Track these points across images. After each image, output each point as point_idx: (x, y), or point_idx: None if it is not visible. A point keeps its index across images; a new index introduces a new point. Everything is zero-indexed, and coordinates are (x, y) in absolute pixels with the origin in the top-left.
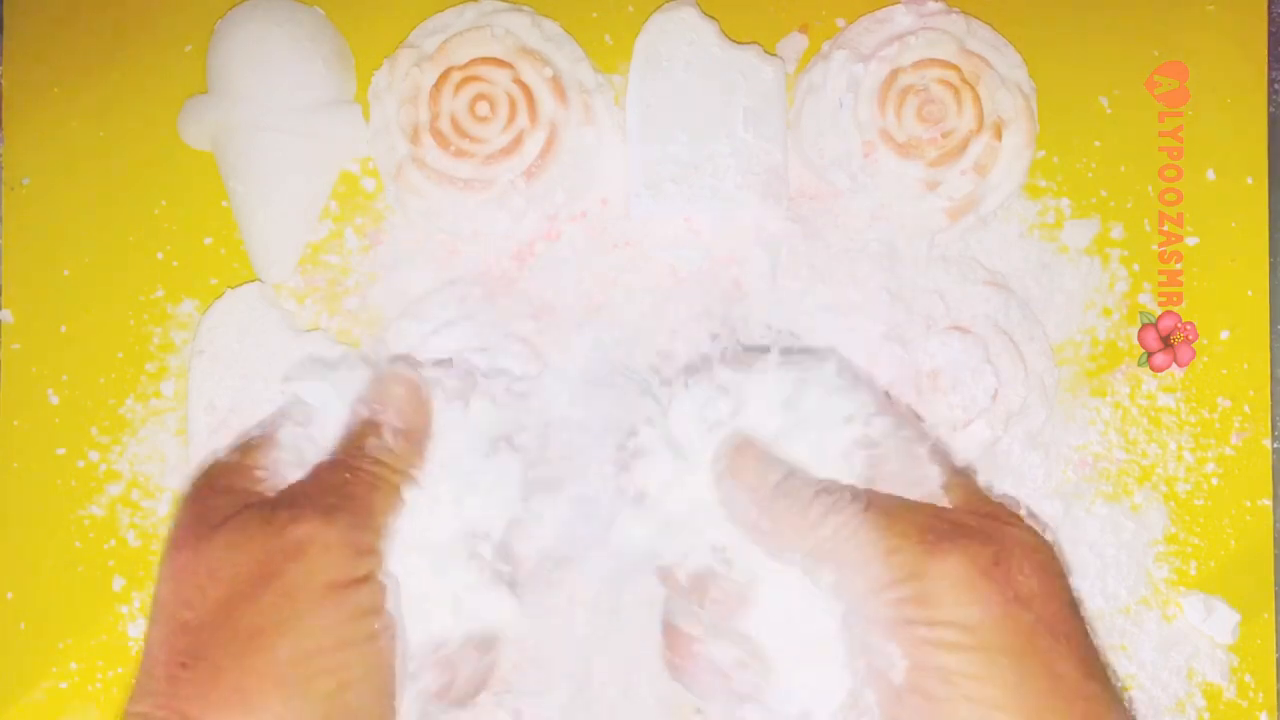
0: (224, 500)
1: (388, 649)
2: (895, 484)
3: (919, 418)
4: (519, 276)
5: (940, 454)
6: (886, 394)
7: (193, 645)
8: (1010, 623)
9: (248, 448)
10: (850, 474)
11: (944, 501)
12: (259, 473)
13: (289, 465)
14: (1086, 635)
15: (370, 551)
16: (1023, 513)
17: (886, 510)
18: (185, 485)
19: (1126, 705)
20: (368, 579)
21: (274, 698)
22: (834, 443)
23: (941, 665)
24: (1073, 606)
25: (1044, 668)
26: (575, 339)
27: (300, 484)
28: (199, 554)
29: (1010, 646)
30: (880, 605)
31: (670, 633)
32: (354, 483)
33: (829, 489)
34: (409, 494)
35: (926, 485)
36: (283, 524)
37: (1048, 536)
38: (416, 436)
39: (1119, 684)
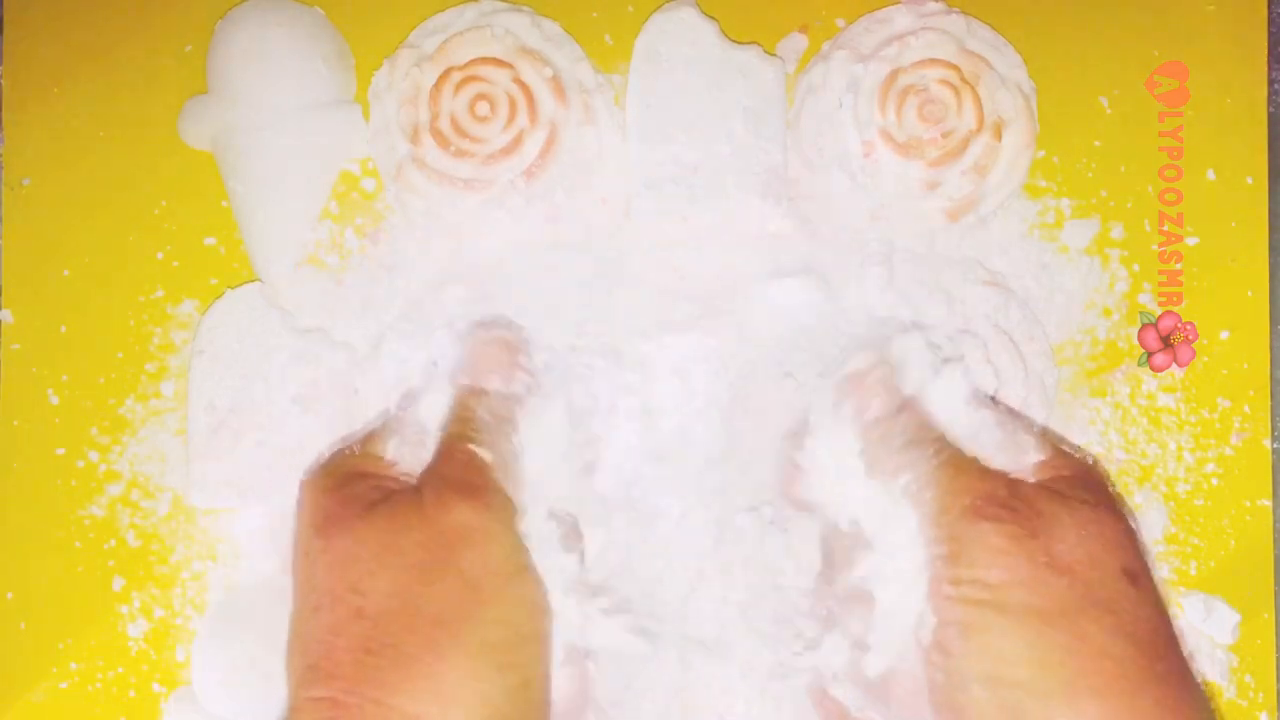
0: (365, 486)
1: (551, 651)
2: (993, 451)
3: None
4: (519, 277)
5: (1041, 434)
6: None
7: (375, 631)
8: (1038, 586)
9: (369, 438)
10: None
11: (1029, 475)
12: (388, 459)
13: (410, 449)
14: (1148, 612)
15: (518, 536)
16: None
17: (953, 473)
18: (312, 472)
19: (1198, 695)
20: (528, 568)
21: (468, 687)
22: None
23: (960, 619)
24: (1131, 580)
25: (1068, 629)
26: (576, 339)
27: (434, 467)
28: (359, 540)
29: (1031, 606)
30: (928, 561)
31: (822, 701)
32: (479, 456)
33: (918, 441)
34: (523, 462)
35: (1020, 457)
36: (435, 511)
37: (1130, 520)
38: (519, 399)
39: (1195, 677)
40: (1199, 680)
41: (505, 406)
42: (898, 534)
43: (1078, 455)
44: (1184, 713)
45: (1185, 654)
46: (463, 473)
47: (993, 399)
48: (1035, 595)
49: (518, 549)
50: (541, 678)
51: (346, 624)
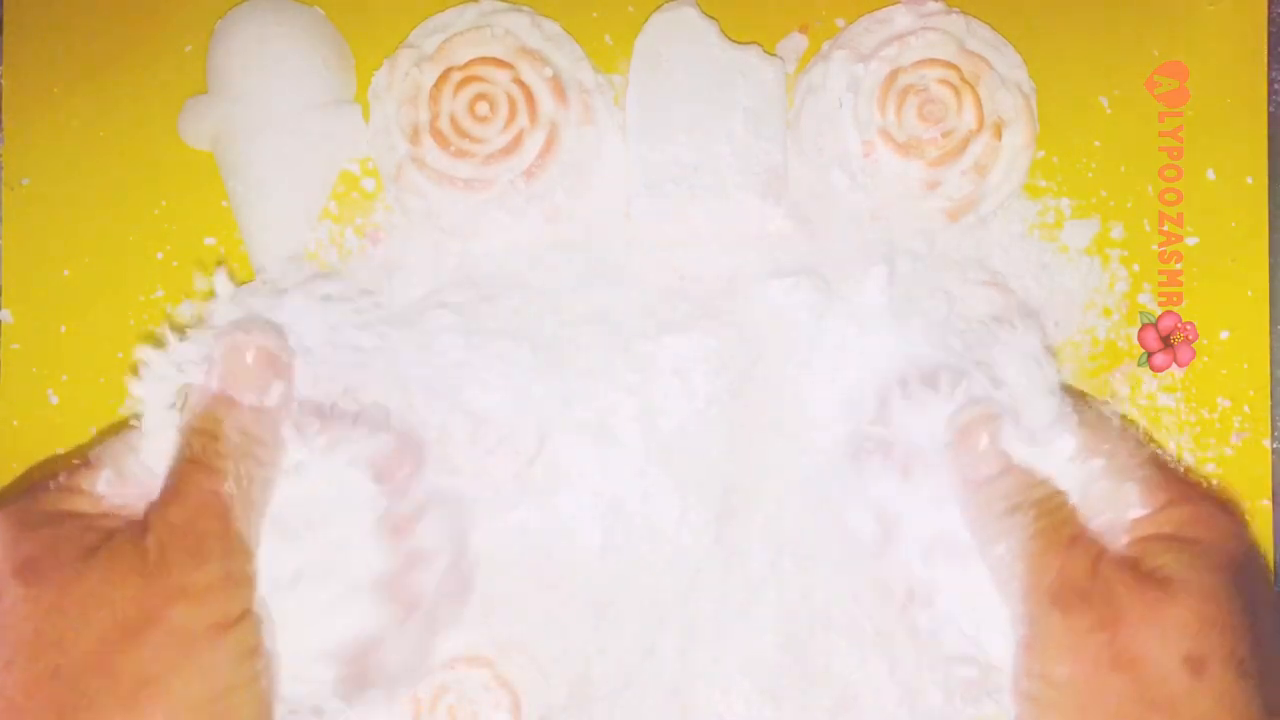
0: (75, 526)
1: (267, 688)
2: (1098, 504)
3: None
4: (519, 277)
5: (1147, 480)
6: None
7: (71, 693)
8: (1096, 688)
9: (75, 470)
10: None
11: (1124, 536)
12: (97, 493)
13: (130, 480)
14: (1202, 705)
15: (245, 581)
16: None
17: (1044, 546)
18: (8, 506)
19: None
20: (245, 614)
21: None
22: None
23: (1030, 713)
24: (1189, 671)
25: None
26: (576, 339)
27: (165, 505)
28: (65, 591)
29: (1086, 708)
30: (1012, 644)
31: None
32: (220, 495)
33: (1022, 506)
34: (271, 490)
35: (1123, 511)
36: (157, 564)
37: (1226, 596)
38: (276, 415)
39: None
40: None
41: (259, 423)
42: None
43: (1186, 504)
44: None
45: None
46: (196, 520)
47: (1103, 440)
48: (1093, 698)
49: (238, 596)
50: (260, 710)
51: (42, 683)
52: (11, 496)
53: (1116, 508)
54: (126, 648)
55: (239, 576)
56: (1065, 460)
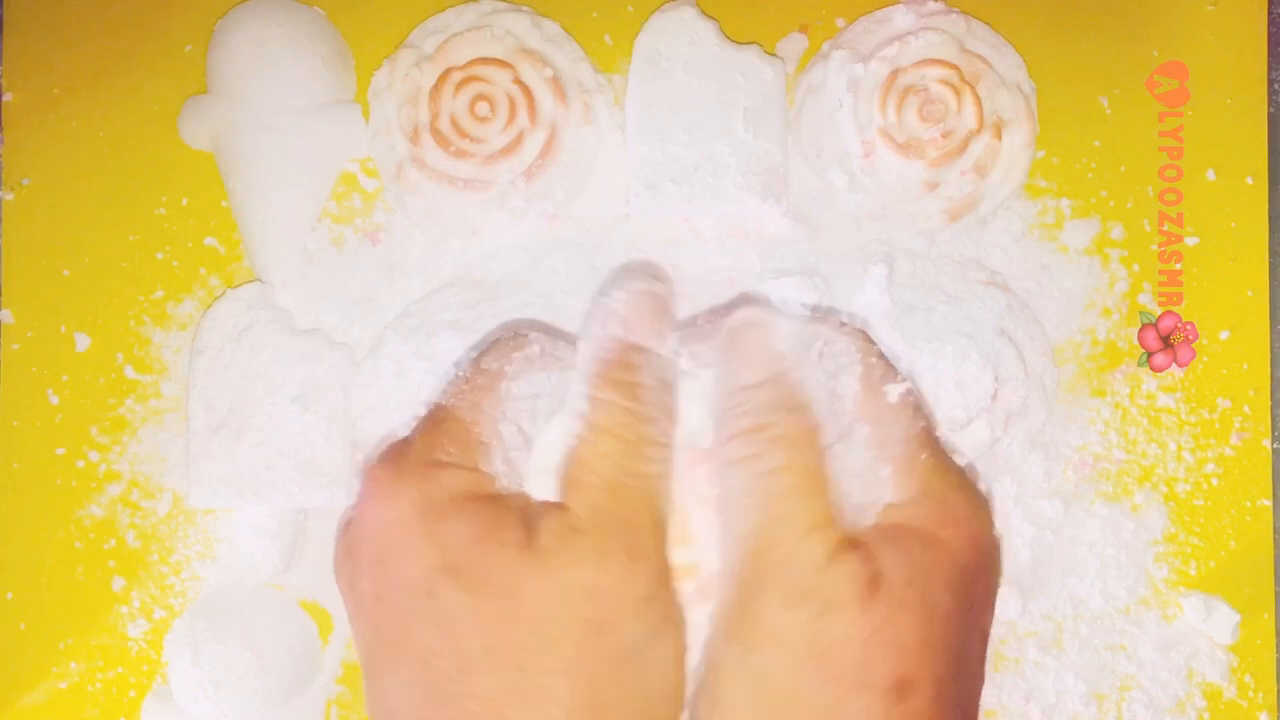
0: (495, 516)
1: (681, 681)
2: (850, 474)
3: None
4: (519, 277)
5: (905, 468)
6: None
7: (543, 702)
8: (793, 685)
9: (472, 448)
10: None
11: (871, 518)
12: (494, 472)
13: (514, 459)
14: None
15: (668, 569)
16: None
17: (784, 520)
18: (413, 465)
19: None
20: (668, 608)
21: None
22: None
23: (712, 689)
24: (903, 696)
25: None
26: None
27: (591, 498)
28: (516, 596)
29: (775, 702)
30: (730, 569)
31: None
32: (648, 479)
33: (768, 430)
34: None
35: (873, 494)
36: (595, 574)
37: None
38: (677, 379)
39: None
40: None
41: (668, 372)
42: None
43: (931, 500)
44: None
45: None
46: (627, 511)
47: (883, 404)
48: (785, 695)
49: (666, 598)
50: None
51: (508, 694)
52: (407, 478)
53: (869, 489)
54: (586, 654)
55: (666, 572)
56: (849, 402)
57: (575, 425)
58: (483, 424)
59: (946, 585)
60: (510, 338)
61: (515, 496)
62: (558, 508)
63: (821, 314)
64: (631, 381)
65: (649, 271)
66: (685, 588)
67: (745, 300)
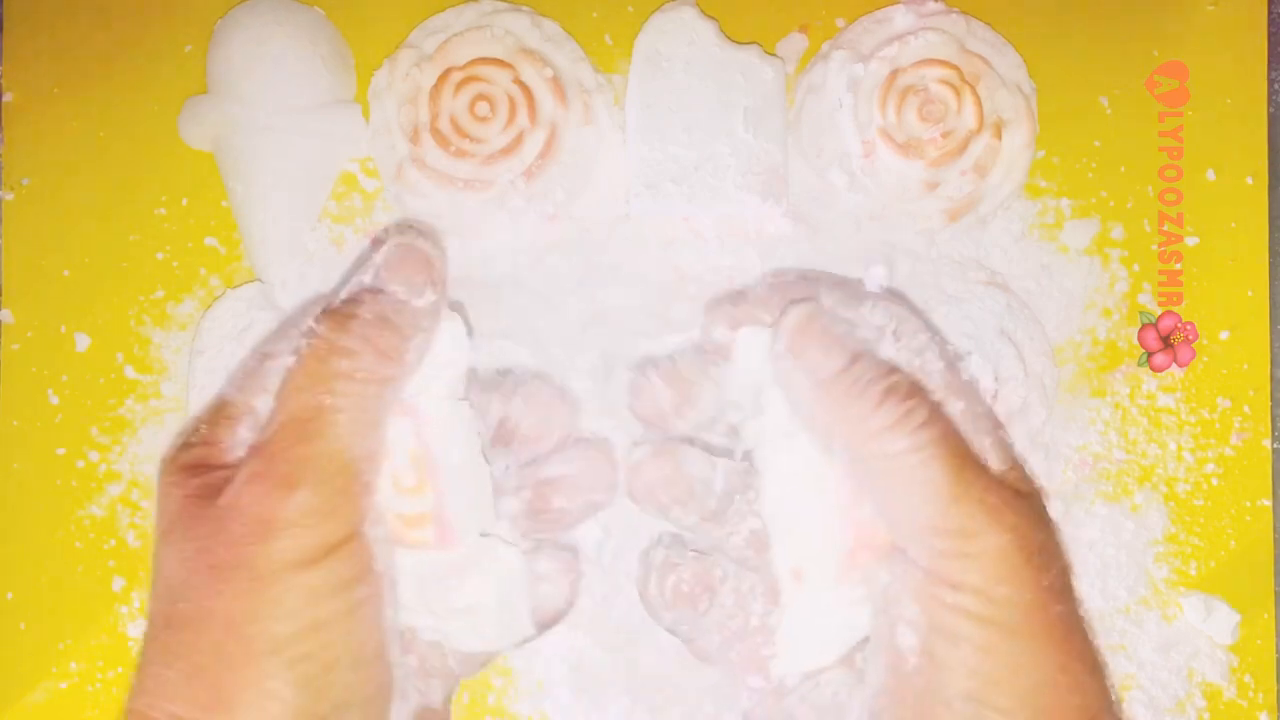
0: (197, 482)
1: (373, 615)
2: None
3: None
4: (519, 277)
5: (1001, 443)
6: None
7: (172, 643)
8: (1037, 611)
9: (215, 420)
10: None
11: (994, 464)
12: (228, 445)
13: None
14: (1090, 632)
15: (343, 506)
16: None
17: (960, 450)
18: (159, 466)
19: (1116, 704)
20: (345, 542)
21: (251, 692)
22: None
23: (955, 630)
24: (1080, 602)
25: (1053, 659)
26: (576, 339)
27: (268, 435)
28: (166, 544)
29: (1026, 631)
30: (922, 549)
31: (646, 563)
32: (321, 410)
33: (898, 388)
34: (391, 394)
35: (980, 443)
36: (235, 502)
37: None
38: (419, 317)
39: (1113, 683)
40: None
41: (400, 314)
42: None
43: (1030, 476)
44: None
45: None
46: (288, 448)
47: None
48: (1031, 620)
49: (328, 527)
50: (352, 652)
51: (154, 635)
52: (163, 456)
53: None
54: (213, 595)
55: (333, 502)
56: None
57: (290, 359)
58: (237, 401)
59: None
60: (291, 321)
61: (223, 467)
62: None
63: (878, 296)
64: (347, 315)
65: (416, 229)
66: (423, 534)
67: (791, 303)
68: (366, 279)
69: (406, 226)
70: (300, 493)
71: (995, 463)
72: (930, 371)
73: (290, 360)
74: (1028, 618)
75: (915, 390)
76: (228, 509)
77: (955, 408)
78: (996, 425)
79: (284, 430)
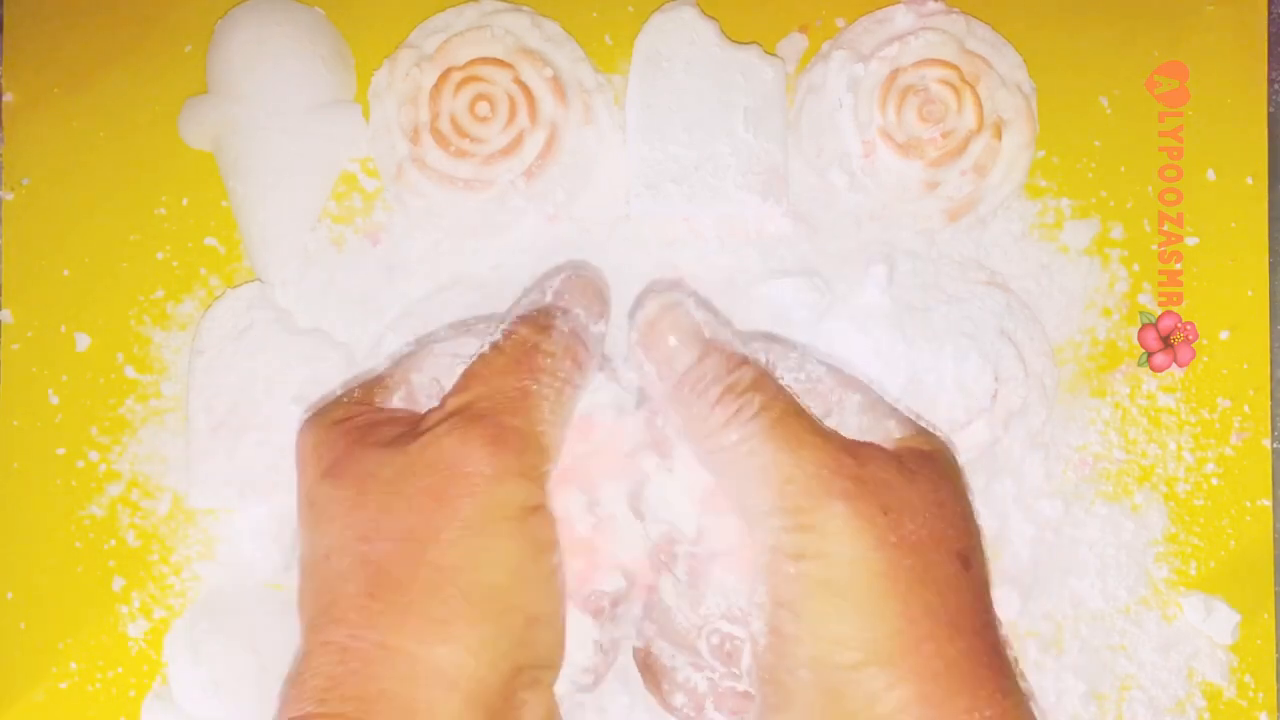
0: (373, 427)
1: (561, 585)
2: (851, 432)
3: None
4: (519, 277)
5: (902, 418)
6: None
7: (379, 577)
8: (882, 564)
9: (369, 385)
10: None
11: (868, 436)
12: (391, 407)
13: (420, 392)
14: (968, 597)
15: (539, 478)
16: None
17: (793, 434)
18: (310, 418)
19: (1010, 681)
20: (538, 509)
21: (471, 630)
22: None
23: (796, 600)
24: (963, 562)
25: (900, 611)
26: None
27: (465, 393)
28: (364, 488)
29: (871, 586)
30: (764, 531)
31: (646, 663)
32: (527, 392)
33: (737, 385)
34: (576, 404)
35: (880, 435)
36: (452, 455)
37: (968, 493)
38: (599, 339)
39: (1013, 665)
40: (1019, 671)
41: (588, 334)
42: (727, 516)
43: (935, 435)
44: (996, 700)
45: (1007, 647)
46: (497, 411)
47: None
48: (877, 574)
49: (530, 491)
50: (550, 614)
51: (353, 570)
52: (310, 419)
53: (871, 434)
54: (424, 537)
55: (532, 473)
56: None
57: (484, 349)
58: (395, 374)
59: (960, 481)
60: (439, 335)
61: (401, 413)
62: (435, 408)
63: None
64: (546, 324)
65: (588, 264)
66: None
67: (649, 293)
68: (546, 299)
69: (581, 262)
70: (508, 453)
71: (897, 432)
72: (816, 378)
73: (465, 349)
74: (869, 573)
75: (756, 383)
76: (430, 461)
77: (852, 400)
78: (893, 408)
79: (488, 401)
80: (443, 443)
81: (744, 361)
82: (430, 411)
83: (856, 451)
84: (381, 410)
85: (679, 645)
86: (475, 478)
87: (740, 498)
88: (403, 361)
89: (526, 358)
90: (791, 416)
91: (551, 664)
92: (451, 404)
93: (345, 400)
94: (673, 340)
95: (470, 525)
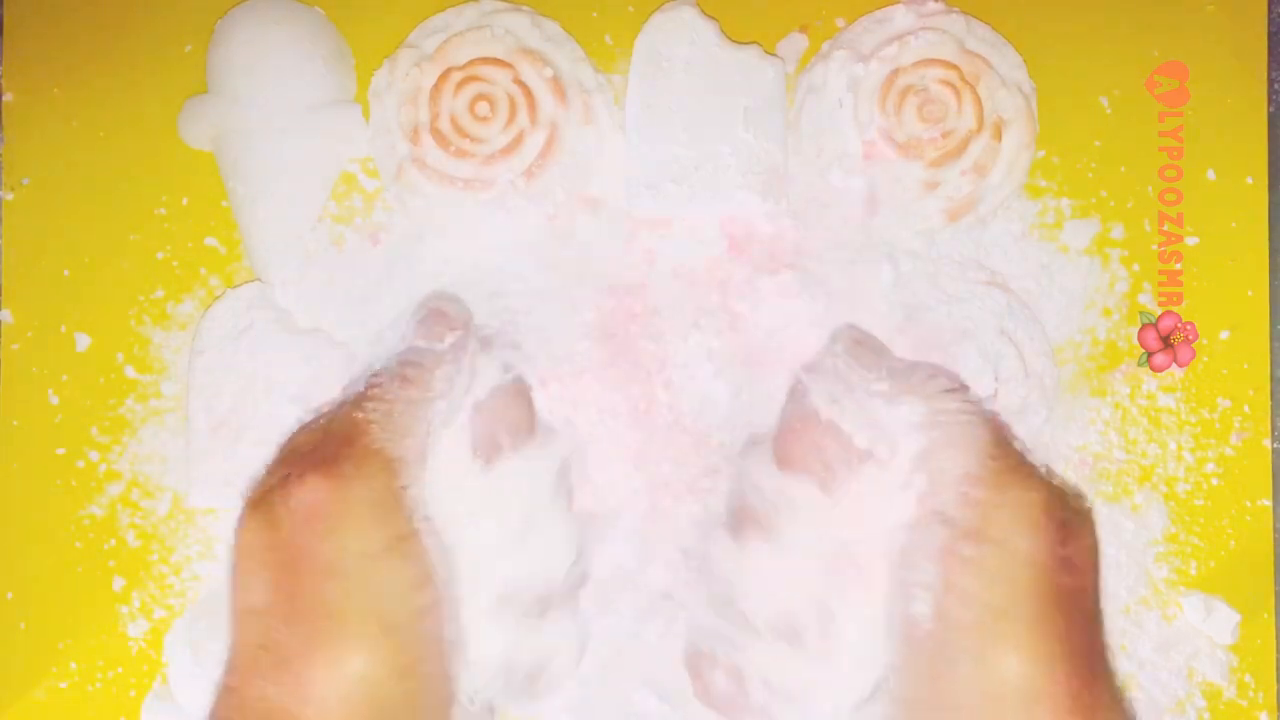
0: (266, 483)
1: (437, 623)
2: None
3: None
4: (519, 277)
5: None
6: None
7: (261, 628)
8: (1050, 574)
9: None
10: None
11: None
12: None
13: None
14: (1102, 631)
15: (394, 506)
16: None
17: (1004, 428)
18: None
19: (1126, 705)
20: (402, 540)
21: (344, 678)
22: None
23: (969, 589)
24: (1100, 599)
25: (1059, 630)
26: (577, 338)
27: (296, 436)
28: (240, 537)
29: (1040, 593)
30: (954, 497)
31: (694, 659)
32: (355, 420)
33: (946, 386)
34: (421, 414)
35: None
36: (296, 491)
37: None
38: (443, 356)
39: (1121, 685)
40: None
41: (427, 359)
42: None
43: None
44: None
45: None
46: (326, 443)
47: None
48: (1043, 582)
49: (389, 521)
50: (434, 650)
51: (242, 621)
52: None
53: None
54: (290, 585)
55: (385, 495)
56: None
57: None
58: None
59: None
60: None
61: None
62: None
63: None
64: (373, 374)
65: (444, 294)
66: None
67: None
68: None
69: (430, 296)
70: (354, 484)
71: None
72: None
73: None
74: (1039, 578)
75: (961, 387)
76: (282, 502)
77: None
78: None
79: (327, 438)
80: (294, 482)
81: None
82: (282, 450)
83: (1058, 484)
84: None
85: (735, 624)
86: (326, 517)
87: (941, 458)
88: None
89: (362, 402)
90: (1002, 422)
91: (427, 706)
92: (300, 437)
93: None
94: (872, 351)
95: (324, 572)
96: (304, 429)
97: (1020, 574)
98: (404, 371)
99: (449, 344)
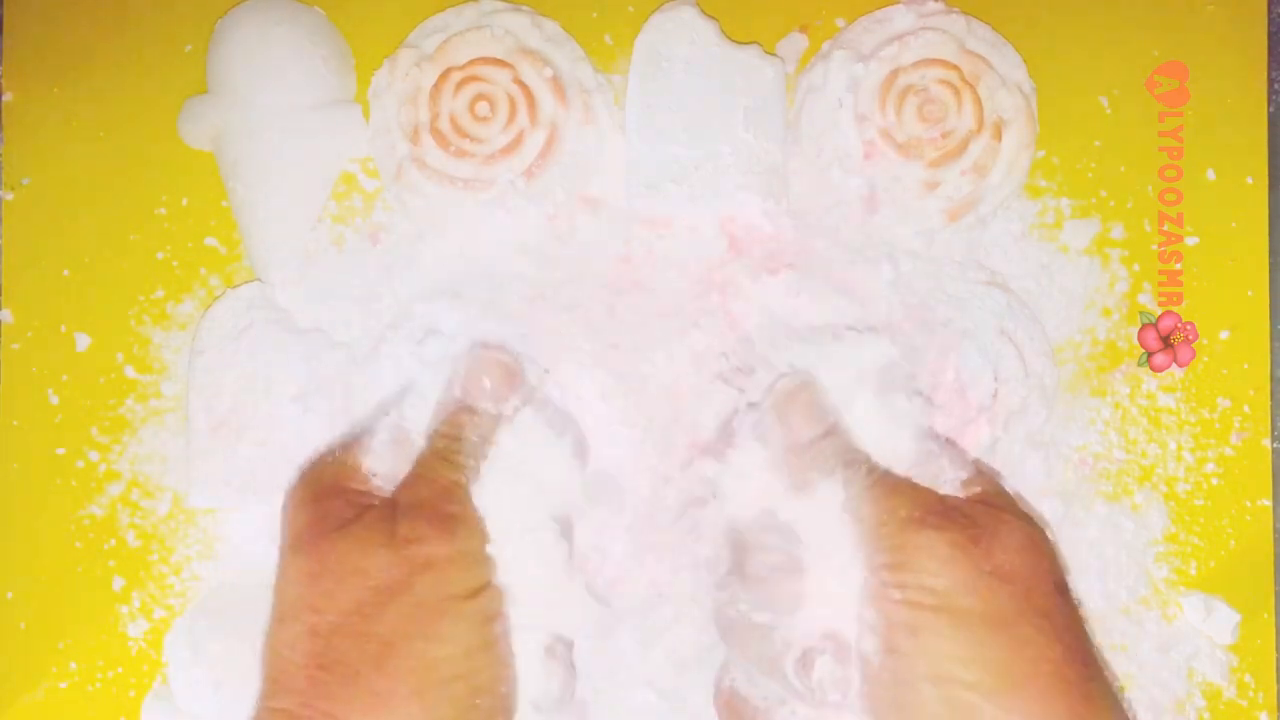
0: (339, 503)
1: (507, 652)
2: (926, 480)
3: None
4: (519, 277)
5: (966, 461)
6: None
7: (327, 649)
8: (982, 592)
9: (348, 446)
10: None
11: (958, 493)
12: (365, 469)
13: (391, 455)
14: (1074, 621)
15: (484, 559)
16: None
17: (889, 490)
18: (294, 482)
19: (1116, 696)
20: (486, 586)
21: (412, 702)
22: (890, 436)
23: (908, 620)
24: (1060, 592)
25: (1010, 633)
26: (577, 339)
27: (413, 488)
28: (324, 560)
29: (976, 611)
30: (869, 575)
31: (730, 704)
32: (460, 484)
33: (852, 463)
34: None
35: (948, 478)
36: (405, 538)
37: (1049, 533)
38: (505, 420)
39: (1114, 680)
40: (1115, 682)
41: (491, 427)
42: (832, 549)
43: (996, 478)
44: (1106, 709)
45: (1099, 659)
46: (439, 500)
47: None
48: (979, 600)
49: (478, 570)
50: (494, 680)
51: (303, 640)
52: (300, 472)
53: (943, 477)
54: (374, 612)
55: (478, 554)
56: (913, 434)
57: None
58: (364, 439)
59: (1040, 519)
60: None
61: (366, 495)
62: (388, 496)
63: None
64: (458, 424)
65: (501, 345)
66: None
67: (786, 372)
68: (457, 394)
69: (490, 344)
70: (459, 538)
71: (961, 471)
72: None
73: (409, 424)
74: (973, 600)
75: (861, 459)
76: (384, 543)
77: (931, 445)
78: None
79: (428, 490)
80: (399, 528)
81: (857, 447)
82: (385, 500)
83: (943, 497)
84: (351, 485)
85: (763, 669)
86: (430, 562)
87: (859, 556)
88: (379, 424)
89: (451, 456)
90: (888, 479)
91: None
92: (402, 495)
93: (328, 460)
94: (803, 415)
95: (417, 604)
96: (417, 475)
97: (955, 602)
98: (480, 449)
99: (510, 409)
